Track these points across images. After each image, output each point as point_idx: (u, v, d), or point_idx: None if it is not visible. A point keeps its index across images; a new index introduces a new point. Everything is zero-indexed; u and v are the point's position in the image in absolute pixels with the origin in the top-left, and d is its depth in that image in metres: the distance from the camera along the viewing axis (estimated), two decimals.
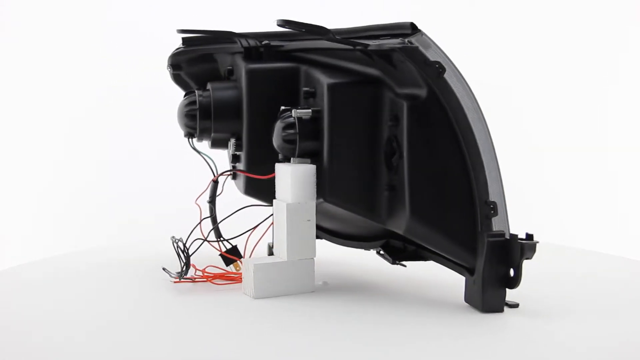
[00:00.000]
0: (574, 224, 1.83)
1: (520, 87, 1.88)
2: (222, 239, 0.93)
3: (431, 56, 0.77)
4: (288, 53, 0.93)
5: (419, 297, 0.85)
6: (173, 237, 0.90)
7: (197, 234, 0.90)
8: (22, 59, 1.89)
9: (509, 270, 0.75)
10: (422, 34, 0.80)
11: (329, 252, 1.07)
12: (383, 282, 0.92)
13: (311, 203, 0.85)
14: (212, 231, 0.93)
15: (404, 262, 0.88)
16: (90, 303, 0.83)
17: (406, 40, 0.78)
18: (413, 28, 0.81)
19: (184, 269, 0.87)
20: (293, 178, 0.84)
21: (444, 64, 0.77)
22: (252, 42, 0.94)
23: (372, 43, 0.79)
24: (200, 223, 0.92)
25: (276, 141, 0.87)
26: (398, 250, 0.88)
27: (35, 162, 1.91)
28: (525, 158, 1.87)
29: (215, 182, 0.97)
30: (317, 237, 0.88)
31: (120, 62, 1.90)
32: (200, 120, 0.95)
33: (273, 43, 0.95)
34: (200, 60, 1.01)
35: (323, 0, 1.86)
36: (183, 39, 1.01)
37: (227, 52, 0.98)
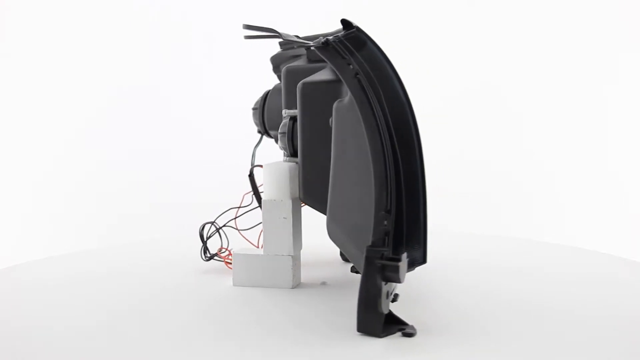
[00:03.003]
0: (574, 224, 1.83)
1: (520, 87, 1.88)
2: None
3: (362, 54, 0.70)
4: None
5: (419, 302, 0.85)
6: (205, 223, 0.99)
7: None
8: (22, 59, 1.89)
9: (391, 289, 0.67)
10: (358, 31, 0.72)
11: (329, 252, 1.07)
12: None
13: (287, 201, 0.87)
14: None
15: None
16: (90, 304, 0.83)
17: (333, 37, 0.71)
18: (346, 25, 0.73)
19: (204, 251, 0.99)
20: (267, 176, 0.88)
21: (367, 65, 0.70)
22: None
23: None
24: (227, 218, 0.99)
25: (279, 141, 0.89)
26: None
27: (34, 162, 1.91)
28: (525, 158, 1.87)
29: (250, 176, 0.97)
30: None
31: (117, 64, 1.90)
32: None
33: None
34: (292, 60, 1.00)
35: (326, 2, 1.87)
36: (280, 42, 1.01)
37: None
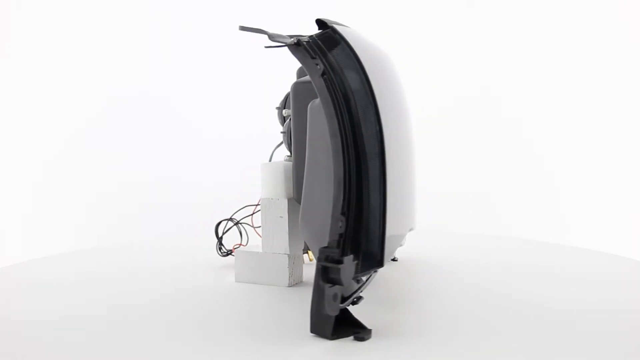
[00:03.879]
0: (574, 224, 1.83)
1: (521, 88, 1.88)
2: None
3: (334, 55, 0.69)
4: None
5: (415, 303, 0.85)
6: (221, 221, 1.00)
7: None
8: (23, 60, 1.89)
9: (346, 291, 0.66)
10: (332, 31, 0.71)
11: None
12: (383, 284, 0.92)
13: (283, 200, 0.87)
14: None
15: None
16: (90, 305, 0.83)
17: (307, 37, 0.71)
18: (321, 24, 0.72)
19: (219, 247, 1.02)
20: (264, 175, 0.88)
21: (339, 65, 0.69)
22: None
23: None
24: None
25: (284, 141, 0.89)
26: None
27: (35, 162, 1.91)
28: (525, 158, 1.87)
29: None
30: None
31: (118, 65, 1.90)
32: None
33: None
34: None
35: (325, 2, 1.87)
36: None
37: None
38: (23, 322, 0.75)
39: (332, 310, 0.66)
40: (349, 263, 0.64)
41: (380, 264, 0.67)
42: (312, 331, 0.68)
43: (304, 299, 0.83)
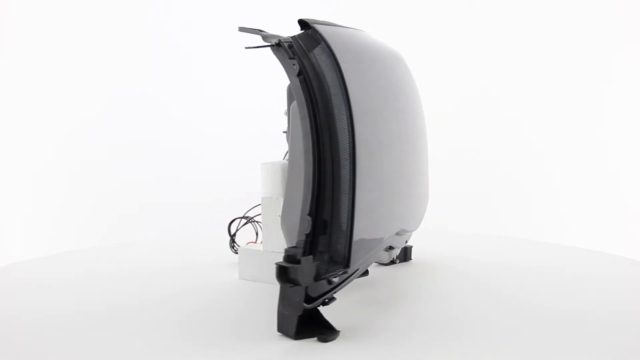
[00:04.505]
0: (574, 224, 1.83)
1: (521, 89, 1.88)
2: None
3: (315, 55, 0.69)
4: None
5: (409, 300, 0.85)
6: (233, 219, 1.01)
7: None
8: (23, 60, 1.89)
9: (302, 291, 0.66)
10: (313, 30, 0.70)
11: None
12: (382, 284, 0.92)
13: (281, 199, 0.87)
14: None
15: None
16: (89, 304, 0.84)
17: (289, 38, 0.71)
18: (302, 25, 0.71)
19: (231, 245, 1.02)
20: (264, 174, 0.89)
21: (318, 65, 0.68)
22: None
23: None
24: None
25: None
26: None
27: (35, 162, 1.91)
28: (525, 158, 1.87)
29: None
30: None
31: (117, 65, 1.90)
32: None
33: None
34: None
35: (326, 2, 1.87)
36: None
37: None
38: (23, 323, 0.75)
39: (294, 311, 0.66)
40: (307, 264, 0.64)
41: (346, 265, 0.66)
42: (278, 330, 0.68)
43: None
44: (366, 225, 0.68)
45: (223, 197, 1.75)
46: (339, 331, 0.67)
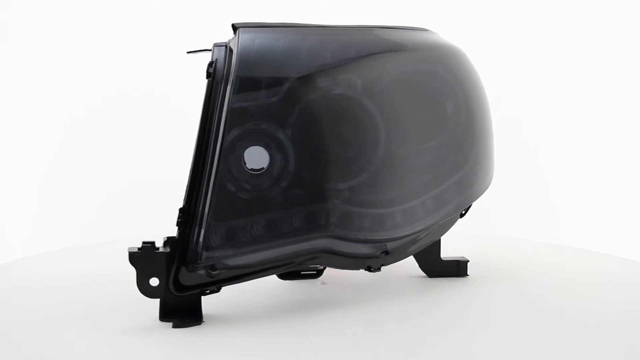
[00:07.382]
0: (573, 224, 1.83)
1: (521, 89, 1.89)
2: None
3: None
4: None
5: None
6: None
7: None
8: (23, 58, 1.89)
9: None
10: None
11: None
12: (383, 282, 0.92)
13: None
14: None
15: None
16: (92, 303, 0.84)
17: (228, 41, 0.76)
18: (234, 29, 0.75)
19: None
20: None
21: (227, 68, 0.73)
22: None
23: None
24: None
25: None
26: None
27: (35, 162, 1.91)
28: (524, 158, 1.87)
29: None
30: None
31: (121, 61, 1.90)
32: None
33: None
34: None
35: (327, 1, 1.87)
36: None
37: None
38: (23, 322, 0.75)
39: (149, 294, 0.70)
40: (150, 251, 0.69)
41: (192, 261, 0.69)
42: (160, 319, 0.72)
43: (296, 292, 0.85)
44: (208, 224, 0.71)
45: None
46: (200, 322, 0.71)
